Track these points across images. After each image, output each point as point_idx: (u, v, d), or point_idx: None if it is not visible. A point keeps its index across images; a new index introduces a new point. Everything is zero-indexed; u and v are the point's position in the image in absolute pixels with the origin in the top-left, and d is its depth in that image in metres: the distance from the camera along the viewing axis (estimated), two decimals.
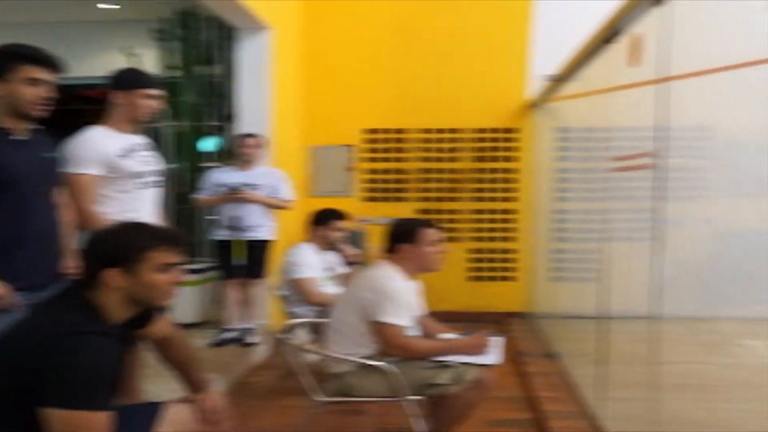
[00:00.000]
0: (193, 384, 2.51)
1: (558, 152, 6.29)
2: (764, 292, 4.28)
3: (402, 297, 3.19)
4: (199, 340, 5.33)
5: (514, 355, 5.20)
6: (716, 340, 5.53)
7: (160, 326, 2.48)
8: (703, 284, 5.90)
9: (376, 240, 5.43)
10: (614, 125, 4.13)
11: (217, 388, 2.63)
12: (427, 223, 3.40)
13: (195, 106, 6.70)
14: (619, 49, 3.54)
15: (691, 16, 3.01)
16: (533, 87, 6.40)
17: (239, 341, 5.33)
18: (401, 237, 3.32)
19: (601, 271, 4.13)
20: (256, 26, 5.66)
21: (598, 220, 4.38)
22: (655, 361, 3.39)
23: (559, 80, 5.37)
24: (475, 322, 5.07)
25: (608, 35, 3.60)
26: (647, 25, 3.06)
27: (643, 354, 3.40)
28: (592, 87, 4.51)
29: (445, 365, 3.12)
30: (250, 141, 5.33)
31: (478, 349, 3.23)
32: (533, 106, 6.55)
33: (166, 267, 2.19)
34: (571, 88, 5.22)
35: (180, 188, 6.44)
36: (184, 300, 5.72)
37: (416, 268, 3.33)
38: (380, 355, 3.16)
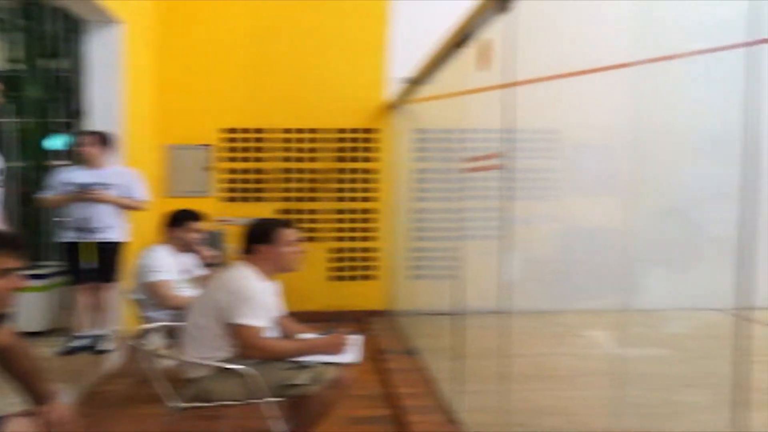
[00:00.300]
0: (37, 396, 2.37)
1: (416, 153, 6.44)
2: (605, 285, 4.57)
3: (258, 298, 3.16)
4: (46, 349, 5.05)
5: (374, 353, 5.27)
6: (563, 331, 5.85)
7: (0, 335, 2.33)
8: (551, 279, 6.22)
9: (235, 241, 5.35)
10: (467, 127, 4.27)
11: (64, 399, 2.50)
12: (285, 223, 3.39)
13: (40, 102, 6.33)
14: (469, 53, 3.67)
15: (537, 24, 3.16)
16: (392, 88, 6.52)
17: (91, 349, 5.10)
18: (258, 237, 3.29)
19: (456, 269, 4.26)
20: (106, 19, 5.42)
21: (454, 219, 4.52)
22: (506, 353, 3.54)
23: (415, 82, 5.49)
24: (336, 321, 5.10)
25: (459, 40, 3.72)
26: (495, 31, 3.18)
27: (495, 347, 3.54)
28: (446, 90, 4.64)
29: (303, 365, 3.12)
30: (85, 139, 5.10)
31: (337, 348, 3.25)
32: (392, 107, 6.67)
33: (4, 272, 2.07)
34: (427, 90, 5.35)
35: (24, 188, 6.08)
36: (29, 307, 5.40)
37: (274, 268, 3.31)
38: (238, 357, 3.12)
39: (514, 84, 2.95)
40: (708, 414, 3.66)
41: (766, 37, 1.93)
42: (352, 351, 3.29)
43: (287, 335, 3.43)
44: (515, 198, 3.49)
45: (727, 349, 2.25)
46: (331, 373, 3.12)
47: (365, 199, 6.90)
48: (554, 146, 6.66)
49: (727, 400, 2.23)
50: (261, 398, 3.08)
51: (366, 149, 6.87)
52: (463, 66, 3.87)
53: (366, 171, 6.89)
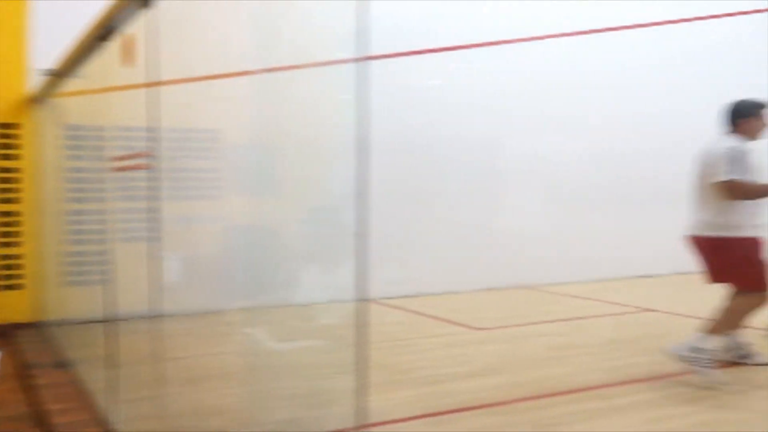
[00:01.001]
0: None
1: (67, 150, 6.04)
2: (264, 282, 4.72)
3: None
4: None
5: (19, 369, 4.88)
6: (226, 330, 5.92)
7: None
8: (214, 279, 6.26)
9: None
10: (117, 124, 4.12)
11: None
12: None
13: None
14: (114, 48, 3.53)
15: (181, 21, 3.13)
16: (35, 81, 6.03)
17: None
18: None
19: (108, 273, 4.10)
20: None
21: (107, 220, 4.34)
22: (164, 357, 3.49)
23: (58, 75, 5.15)
24: None
25: (102, 33, 3.56)
26: (138, 27, 3.09)
27: (152, 352, 3.48)
28: (93, 85, 4.44)
29: None
30: None
31: None
32: (35, 101, 6.17)
33: None
34: (74, 84, 5.05)
35: None
36: None
37: None
38: None
39: (158, 83, 2.89)
40: (358, 397, 3.97)
41: (369, 54, 2.14)
42: None
43: None
44: (172, 198, 3.46)
45: (373, 336, 2.48)
46: None
47: (6, 201, 6.28)
48: (214, 146, 6.71)
49: (373, 383, 2.46)
50: None
51: (5, 146, 6.25)
52: (108, 61, 3.71)
53: (6, 170, 6.27)
